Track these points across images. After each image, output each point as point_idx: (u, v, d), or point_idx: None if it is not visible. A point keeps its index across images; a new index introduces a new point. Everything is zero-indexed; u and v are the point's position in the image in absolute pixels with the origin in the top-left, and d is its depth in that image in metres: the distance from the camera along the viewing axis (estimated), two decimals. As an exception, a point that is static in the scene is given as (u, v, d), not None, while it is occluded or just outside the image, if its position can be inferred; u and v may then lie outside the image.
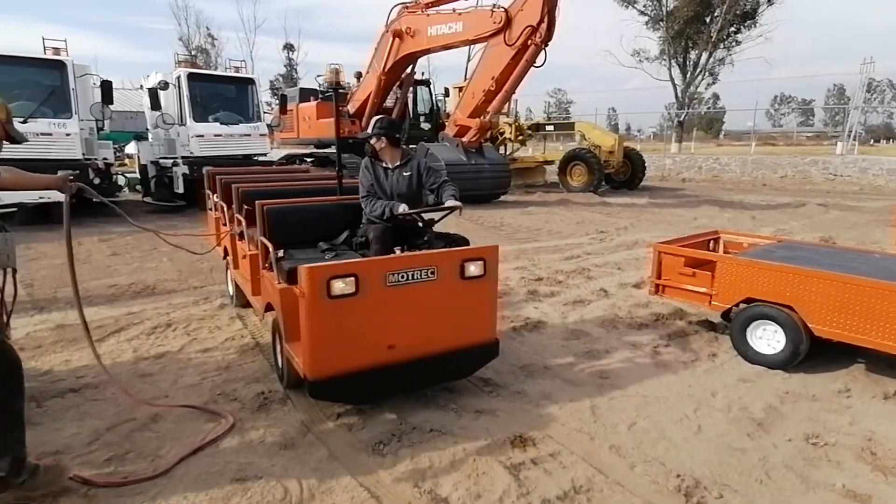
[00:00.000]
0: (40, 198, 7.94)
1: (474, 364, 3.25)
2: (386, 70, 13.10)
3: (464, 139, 12.02)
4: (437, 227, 3.49)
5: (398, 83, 14.32)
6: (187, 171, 10.19)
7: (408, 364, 2.88)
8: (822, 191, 17.21)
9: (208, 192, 5.59)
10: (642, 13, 31.30)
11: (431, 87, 15.70)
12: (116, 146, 15.73)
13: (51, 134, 8.69)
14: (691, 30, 29.90)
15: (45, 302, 4.90)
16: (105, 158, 10.38)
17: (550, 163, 17.94)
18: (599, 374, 3.59)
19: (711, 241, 4.88)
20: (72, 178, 2.74)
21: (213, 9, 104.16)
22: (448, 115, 16.37)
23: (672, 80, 31.40)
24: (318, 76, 15.13)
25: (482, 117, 11.77)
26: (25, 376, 2.26)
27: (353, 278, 2.63)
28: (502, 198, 13.28)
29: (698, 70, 30.92)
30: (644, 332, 4.37)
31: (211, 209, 5.60)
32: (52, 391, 3.17)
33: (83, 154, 9.30)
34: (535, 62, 10.55)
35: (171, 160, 11.00)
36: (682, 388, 3.45)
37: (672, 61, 30.93)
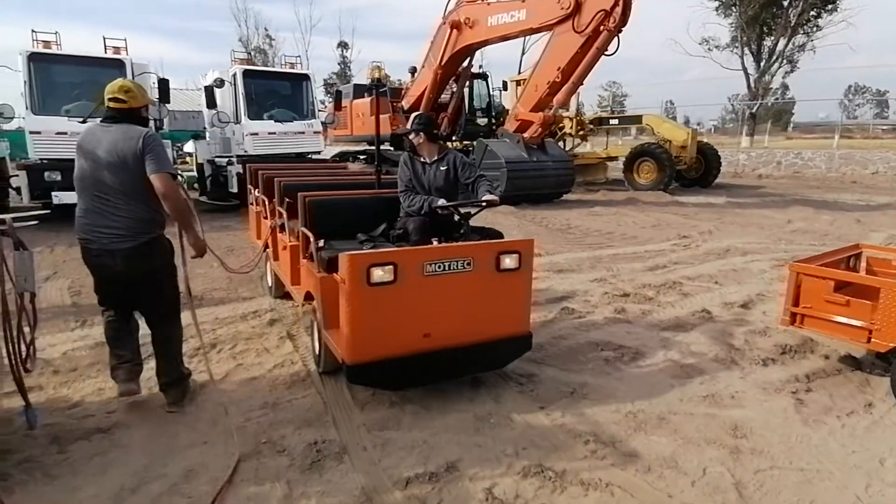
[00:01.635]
0: None
1: (507, 356, 3.29)
2: (443, 63, 12.52)
3: (525, 135, 11.24)
4: (473, 222, 3.63)
5: (454, 77, 13.72)
6: (242, 170, 9.94)
7: (443, 353, 2.95)
8: (924, 189, 15.33)
9: (250, 187, 5.74)
10: (712, -2, 29.27)
11: (489, 80, 14.95)
12: (178, 145, 15.94)
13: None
14: (767, 14, 27.69)
15: (90, 313, 4.57)
16: (163, 158, 10.29)
17: (614, 159, 16.86)
18: (733, 430, 2.82)
19: (851, 258, 3.97)
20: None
21: (271, 11, 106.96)
22: (505, 110, 15.64)
23: (744, 68, 29.24)
24: (368, 73, 14.72)
25: (546, 111, 10.96)
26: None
27: (391, 266, 2.71)
28: (564, 197, 12.42)
29: (774, 57, 28.62)
30: (773, 370, 3.54)
31: (252, 203, 5.79)
32: (78, 431, 2.73)
33: (141, 153, 9.19)
34: (606, 50, 9.64)
35: (226, 159, 10.82)
36: (844, 454, 2.65)
37: (745, 49, 28.75)
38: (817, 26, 27.81)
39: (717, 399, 3.16)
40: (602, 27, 9.28)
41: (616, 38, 9.50)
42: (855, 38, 56.30)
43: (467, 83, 14.11)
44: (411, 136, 3.87)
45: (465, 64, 13.32)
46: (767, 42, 28.78)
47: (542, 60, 10.64)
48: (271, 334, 4.11)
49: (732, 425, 2.87)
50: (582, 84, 10.27)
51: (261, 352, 3.77)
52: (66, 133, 8.58)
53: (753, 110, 29.49)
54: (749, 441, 2.74)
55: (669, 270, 6.10)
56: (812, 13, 27.17)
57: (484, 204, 3.59)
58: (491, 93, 14.92)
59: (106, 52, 9.42)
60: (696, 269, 6.14)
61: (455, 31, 12.07)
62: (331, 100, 25.19)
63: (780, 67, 28.92)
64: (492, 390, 3.23)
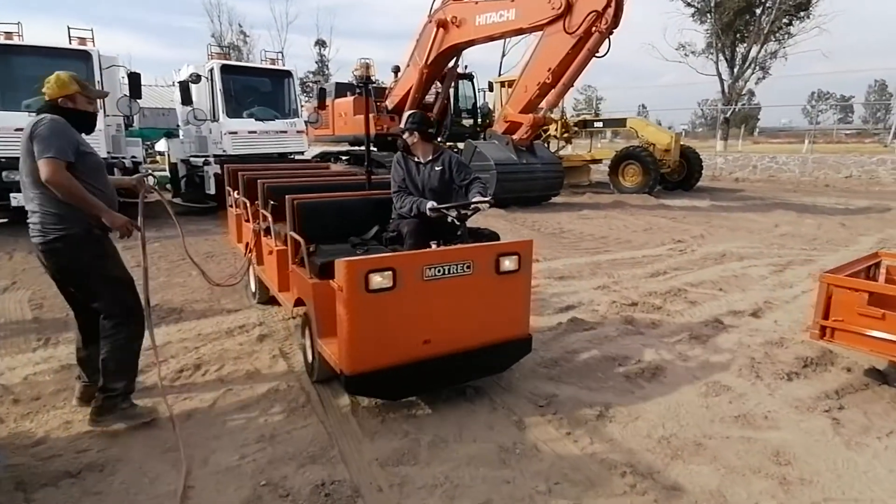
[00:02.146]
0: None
1: (508, 359, 3.24)
2: (428, 62, 12.22)
3: (514, 136, 11.04)
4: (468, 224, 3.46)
5: (440, 77, 13.44)
6: (219, 171, 9.47)
7: (443, 359, 2.86)
8: (893, 192, 15.68)
9: (229, 188, 5.57)
10: (689, 4, 29.65)
11: (475, 81, 14.72)
12: (147, 143, 15.25)
13: (75, 130, 8.01)
14: (741, 21, 28.18)
15: (54, 329, 4.14)
16: (133, 157, 9.73)
17: (598, 161, 16.81)
18: (775, 456, 2.61)
19: (871, 268, 3.84)
20: (148, 177, 2.83)
21: (245, 7, 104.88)
22: (491, 112, 15.44)
23: (719, 74, 29.71)
24: (355, 70, 14.32)
25: (535, 113, 10.77)
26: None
27: (390, 272, 2.63)
28: (551, 200, 12.26)
29: (747, 63, 29.15)
30: (799, 386, 3.36)
31: (231, 206, 5.61)
32: (44, 475, 2.35)
33: (109, 152, 8.65)
34: (597, 52, 9.50)
35: (203, 159, 10.32)
36: (895, 480, 2.46)
37: (720, 54, 29.23)
38: (789, 33, 28.43)
39: (750, 420, 2.95)
40: (594, 28, 9.13)
41: (607, 39, 9.37)
42: (827, 44, 57.88)
43: (452, 83, 13.84)
44: (405, 135, 3.75)
45: (451, 64, 13.06)
46: (741, 48, 29.30)
47: (532, 61, 10.45)
48: (262, 352, 3.76)
49: (774, 451, 2.66)
50: (573, 86, 10.11)
51: (252, 373, 3.42)
52: (24, 129, 7.99)
53: (727, 115, 30.01)
54: (795, 469, 2.54)
55: (671, 277, 5.94)
56: (784, 20, 27.74)
57: (477, 206, 3.42)
58: (477, 94, 14.68)
59: (71, 44, 8.83)
60: (697, 276, 5.99)
61: (441, 29, 11.79)
62: (307, 99, 24.66)
63: (753, 73, 29.48)
64: (511, 414, 2.96)
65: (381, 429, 2.81)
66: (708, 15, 29.02)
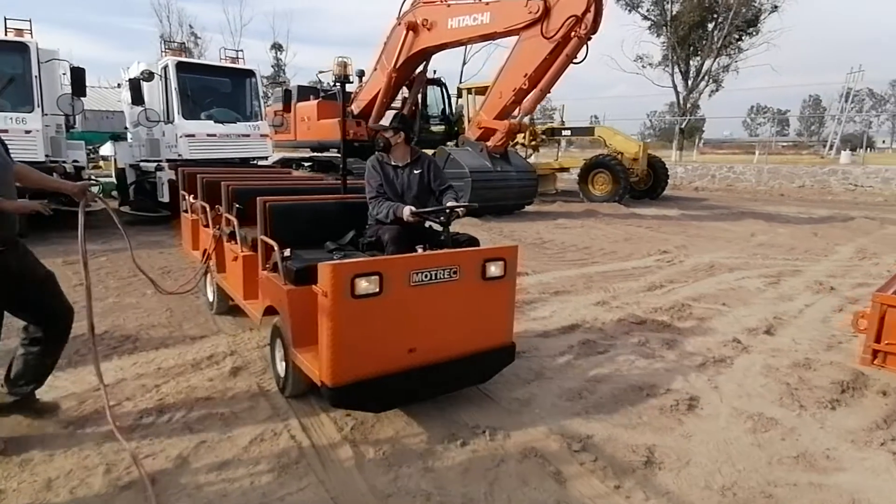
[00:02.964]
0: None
1: (492, 369, 3.13)
2: (397, 67, 11.73)
3: (489, 143, 10.70)
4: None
5: (408, 83, 12.99)
6: (175, 177, 8.66)
7: (428, 368, 2.75)
8: (846, 202, 16.35)
9: (184, 193, 5.41)
10: (645, 17, 30.49)
11: (444, 87, 14.33)
12: (90, 147, 14.05)
13: (6, 130, 7.08)
14: (695, 36, 29.17)
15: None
16: (75, 161, 8.80)
17: (566, 170, 16.77)
18: (852, 506, 2.29)
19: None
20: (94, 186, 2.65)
21: (197, 9, 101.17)
22: (460, 118, 15.10)
23: (675, 86, 30.64)
24: (320, 72, 13.70)
25: (510, 119, 10.48)
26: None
27: (377, 276, 2.50)
28: (524, 208, 12.00)
29: (701, 76, 30.19)
30: (845, 415, 3.08)
31: (187, 211, 5.41)
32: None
33: (47, 155, 7.74)
34: (575, 58, 9.29)
35: (155, 163, 9.45)
36: None
37: (675, 67, 30.14)
38: (739, 48, 29.63)
39: (811, 460, 2.63)
40: (573, 33, 8.91)
41: (585, 45, 9.18)
42: (776, 59, 60.74)
43: (421, 89, 13.40)
44: (388, 134, 3.64)
45: (421, 68, 12.63)
46: (695, 62, 30.33)
47: (508, 66, 10.16)
48: (237, 390, 3.18)
49: (850, 499, 2.33)
50: (549, 92, 9.87)
51: (228, 419, 2.84)
52: None
53: (682, 126, 30.92)
54: (876, 519, 2.21)
55: (669, 290, 5.68)
56: (735, 36, 28.89)
57: (457, 211, 3.33)
58: (446, 100, 14.30)
59: (7, 35, 7.89)
60: (694, 289, 5.76)
61: (411, 32, 11.34)
62: (266, 103, 23.66)
63: (707, 86, 30.53)
64: (546, 464, 2.53)
65: (396, 489, 2.31)
66: (664, 28, 29.90)
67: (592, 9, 8.71)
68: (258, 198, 3.44)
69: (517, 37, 9.94)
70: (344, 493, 2.28)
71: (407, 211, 3.37)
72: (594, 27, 8.91)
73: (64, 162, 8.33)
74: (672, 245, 8.29)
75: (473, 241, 3.50)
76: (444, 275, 2.72)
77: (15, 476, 2.34)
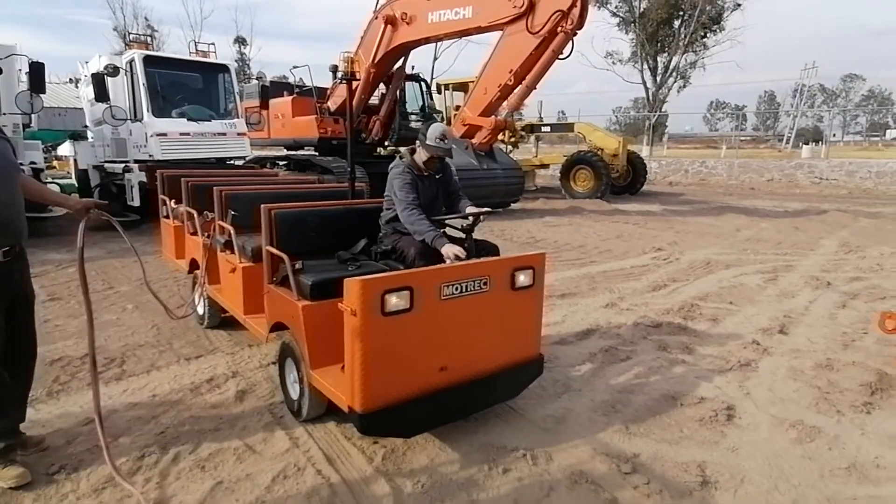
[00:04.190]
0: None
1: (522, 383, 2.98)
2: (375, 62, 11.40)
3: (474, 140, 10.50)
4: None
5: (387, 78, 12.66)
6: (145, 179, 8.15)
7: (460, 387, 2.59)
8: (814, 195, 16.85)
9: (164, 197, 5.12)
10: (614, 14, 30.82)
11: (423, 83, 14.05)
12: (46, 146, 13.22)
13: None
14: (663, 33, 29.66)
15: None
16: (33, 162, 8.18)
17: (546, 166, 16.74)
18: (924, 523, 2.19)
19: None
20: (96, 207, 2.56)
21: (152, 1, 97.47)
22: (438, 114, 14.85)
23: (644, 82, 31.11)
24: (294, 67, 13.20)
25: (496, 116, 10.30)
26: None
27: (407, 292, 2.32)
28: (510, 205, 11.86)
29: (669, 73, 30.73)
30: (883, 419, 3.02)
31: (166, 217, 5.12)
32: None
33: (4, 157, 7.14)
34: (561, 53, 9.17)
35: (122, 164, 8.89)
36: None
37: (644, 64, 30.59)
38: (705, 45, 30.28)
39: (863, 471, 2.53)
40: (559, 28, 8.78)
41: (571, 40, 9.06)
42: (741, 56, 62.40)
43: (400, 85, 13.09)
44: (432, 152, 3.35)
45: (399, 63, 12.33)
46: (663, 58, 30.85)
47: (492, 62, 9.96)
48: (247, 419, 2.89)
49: (917, 514, 2.24)
50: (535, 88, 9.73)
51: (243, 454, 2.55)
52: None
53: (652, 121, 31.44)
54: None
55: (673, 290, 5.61)
56: (700, 33, 29.49)
57: (479, 218, 3.25)
58: (426, 96, 14.02)
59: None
60: (697, 288, 5.71)
61: (389, 26, 11.02)
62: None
63: (675, 82, 31.11)
64: (598, 489, 2.35)
65: (443, 527, 2.10)
66: (633, 25, 30.29)
67: (578, 4, 8.59)
68: (263, 205, 3.14)
69: (501, 32, 9.75)
70: (387, 535, 2.05)
71: (446, 248, 3.00)
72: (580, 22, 8.80)
73: (22, 164, 7.72)
74: (664, 242, 8.28)
75: (495, 251, 3.32)
76: (474, 286, 2.55)
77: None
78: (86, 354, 3.58)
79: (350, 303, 2.25)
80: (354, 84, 11.94)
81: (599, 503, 2.28)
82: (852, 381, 3.43)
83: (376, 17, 11.32)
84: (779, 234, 9.11)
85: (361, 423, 2.32)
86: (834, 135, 66.21)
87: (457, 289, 2.49)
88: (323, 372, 2.61)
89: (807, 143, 28.96)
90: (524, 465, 2.52)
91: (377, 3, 11.49)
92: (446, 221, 3.31)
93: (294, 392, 2.88)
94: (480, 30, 10.19)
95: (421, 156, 3.41)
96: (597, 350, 3.90)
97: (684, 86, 31.50)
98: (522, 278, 2.72)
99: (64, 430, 2.74)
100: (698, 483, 2.41)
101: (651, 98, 31.44)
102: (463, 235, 3.17)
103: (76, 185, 10.98)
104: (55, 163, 16.40)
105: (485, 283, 2.58)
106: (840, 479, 2.48)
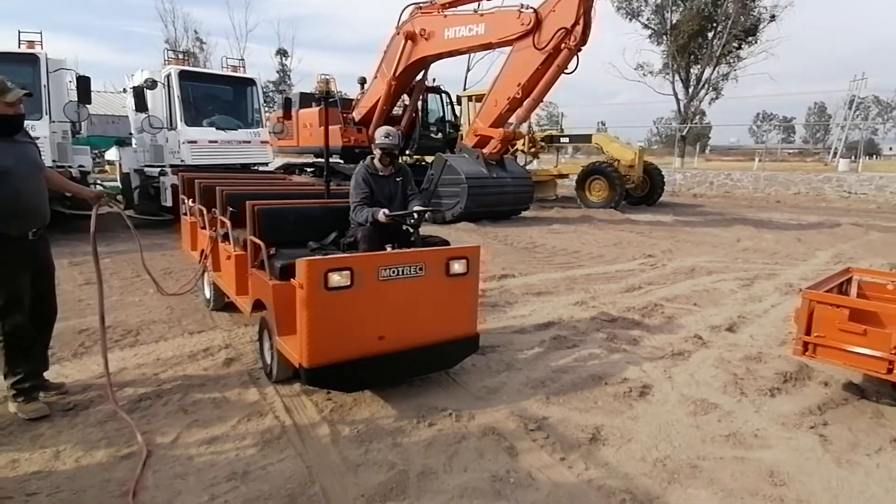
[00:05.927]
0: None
1: (457, 356, 3.47)
2: (396, 75, 12.12)
3: (484, 150, 11.03)
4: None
5: (408, 90, 13.36)
6: (177, 182, 9.03)
7: (396, 354, 3.06)
8: (839, 209, 16.56)
9: (184, 196, 5.73)
10: (646, 26, 30.82)
11: (443, 95, 14.68)
12: (96, 152, 14.46)
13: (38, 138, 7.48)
14: (695, 44, 29.47)
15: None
16: (81, 166, 9.18)
17: (565, 176, 17.07)
18: (769, 476, 2.56)
19: (843, 284, 3.90)
20: (108, 197, 3.17)
21: (202, 14, 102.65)
22: (457, 126, 15.44)
23: (675, 94, 30.91)
24: (322, 76, 14.04)
25: (505, 127, 10.80)
26: None
27: (348, 272, 2.82)
28: (521, 213, 12.30)
29: (701, 85, 30.46)
30: (783, 402, 3.36)
31: (185, 214, 5.78)
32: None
33: (54, 161, 8.11)
34: (566, 68, 9.62)
35: (159, 169, 9.83)
36: (892, 501, 2.45)
37: (675, 75, 30.43)
38: (738, 57, 29.90)
39: (740, 439, 2.91)
40: (563, 45, 9.24)
41: (576, 56, 9.50)
42: (775, 68, 61.21)
43: (421, 97, 13.77)
44: (381, 151, 3.99)
45: (420, 76, 13.00)
46: (695, 70, 30.61)
47: (502, 76, 10.50)
48: (230, 378, 3.49)
49: (768, 471, 2.61)
50: (542, 101, 10.20)
51: (219, 402, 3.15)
52: None
53: (684, 133, 31.20)
54: (791, 490, 2.49)
55: (646, 291, 5.97)
56: (734, 45, 29.16)
57: (423, 214, 3.77)
58: (446, 108, 14.65)
59: (20, 47, 8.30)
60: (670, 290, 6.04)
61: (410, 41, 11.73)
62: (268, 109, 24.14)
63: (707, 94, 30.79)
64: (501, 440, 2.82)
65: (365, 460, 2.61)
66: (664, 37, 30.22)
67: (581, 22, 9.04)
68: (247, 201, 3.79)
69: (511, 47, 10.27)
70: (318, 463, 2.58)
71: (381, 214, 3.74)
72: (583, 39, 9.24)
73: (70, 167, 8.71)
74: (658, 249, 8.58)
75: (443, 244, 3.85)
76: (410, 271, 3.03)
77: (27, 448, 2.65)
78: (108, 326, 4.30)
79: (299, 279, 2.78)
80: (376, 93, 12.78)
81: (499, 449, 2.74)
82: (771, 371, 3.76)
83: (398, 33, 12.05)
84: (777, 245, 9.24)
85: (306, 375, 2.86)
86: (890, 148, 63.44)
87: (394, 272, 2.98)
88: (286, 339, 3.10)
89: (848, 158, 28.18)
90: (448, 421, 3.01)
91: (399, 19, 12.23)
92: (397, 218, 3.78)
93: (268, 358, 3.43)
94: (492, 45, 10.77)
95: (375, 154, 4.03)
96: (548, 338, 4.34)
97: (716, 98, 31.12)
98: (457, 267, 3.18)
99: (82, 382, 3.40)
100: (588, 439, 2.84)
101: (682, 110, 31.18)
102: (412, 230, 3.72)
103: (120, 186, 12.07)
104: (107, 167, 17.78)
105: (420, 269, 3.07)
106: (717, 443, 2.87)
